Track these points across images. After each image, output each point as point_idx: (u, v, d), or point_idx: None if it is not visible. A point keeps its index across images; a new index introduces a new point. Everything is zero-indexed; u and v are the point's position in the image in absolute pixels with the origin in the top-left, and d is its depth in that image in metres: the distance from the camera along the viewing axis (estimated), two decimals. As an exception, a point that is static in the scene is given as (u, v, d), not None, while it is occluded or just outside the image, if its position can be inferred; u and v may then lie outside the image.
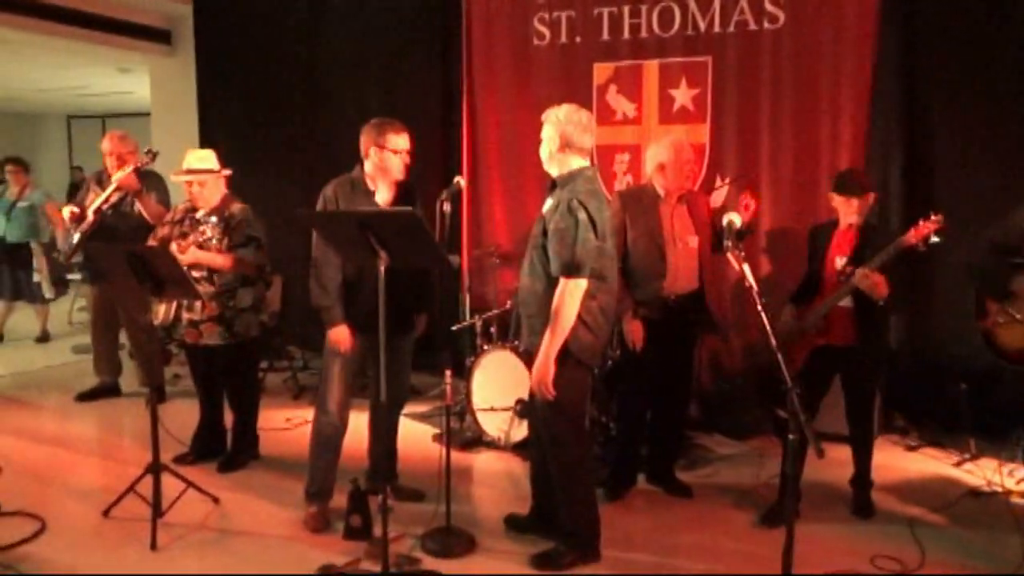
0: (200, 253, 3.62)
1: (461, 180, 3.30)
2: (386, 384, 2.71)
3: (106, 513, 3.34)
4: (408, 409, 4.81)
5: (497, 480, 3.91)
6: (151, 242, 3.84)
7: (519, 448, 4.10)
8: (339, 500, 3.27)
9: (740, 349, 4.73)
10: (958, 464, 4.01)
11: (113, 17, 6.57)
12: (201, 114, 6.53)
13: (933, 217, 3.07)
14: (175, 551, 3.07)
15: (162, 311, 3.71)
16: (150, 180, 4.67)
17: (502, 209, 5.37)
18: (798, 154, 4.56)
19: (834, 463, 3.57)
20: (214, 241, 3.64)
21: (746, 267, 2.34)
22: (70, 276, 7.20)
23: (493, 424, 4.21)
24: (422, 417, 4.73)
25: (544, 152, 2.92)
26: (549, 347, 2.77)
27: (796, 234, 4.57)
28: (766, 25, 4.55)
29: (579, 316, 2.79)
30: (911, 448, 4.25)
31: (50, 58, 8.06)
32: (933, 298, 4.42)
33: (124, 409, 4.92)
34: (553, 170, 2.91)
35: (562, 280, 2.75)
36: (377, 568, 2.76)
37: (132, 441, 4.39)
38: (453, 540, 3.09)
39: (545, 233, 2.84)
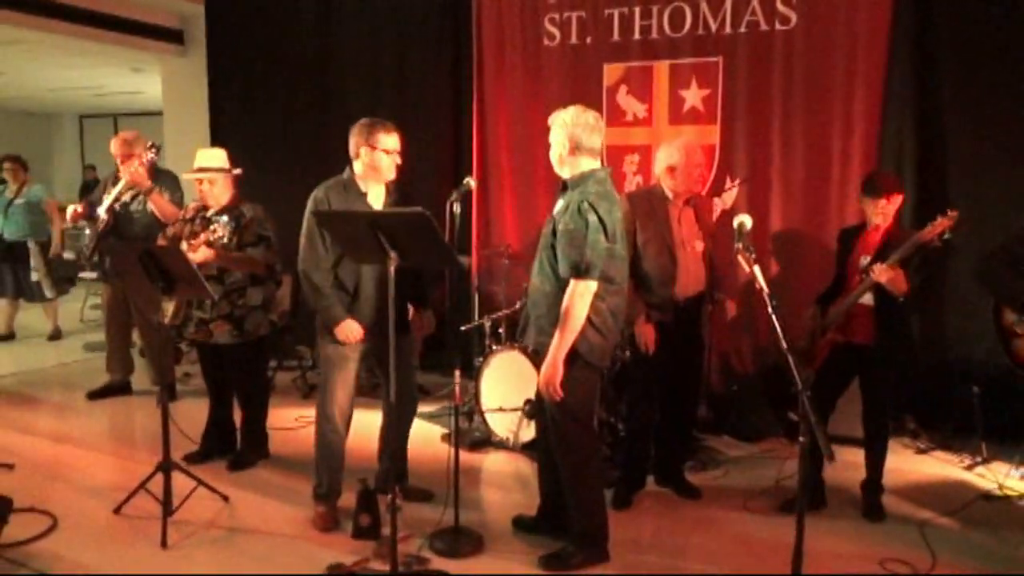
0: (210, 252, 3.63)
1: (471, 180, 3.30)
2: (396, 386, 2.72)
3: (117, 511, 3.36)
4: (417, 408, 4.85)
5: (505, 480, 3.92)
6: (162, 240, 3.86)
7: (528, 449, 4.09)
8: (348, 499, 3.28)
9: (750, 351, 4.72)
10: (969, 467, 3.99)
11: (126, 17, 6.60)
12: (212, 113, 6.56)
13: (949, 213, 3.10)
14: (185, 549, 3.09)
15: (171, 309, 3.73)
16: (163, 178, 4.70)
17: (512, 209, 5.37)
18: (809, 155, 4.55)
19: (845, 466, 3.57)
20: (224, 240, 3.65)
21: (756, 269, 2.33)
22: (82, 275, 7.24)
23: (502, 424, 4.21)
24: (431, 417, 4.73)
25: (554, 156, 2.91)
26: (558, 348, 2.76)
27: (806, 236, 4.56)
28: (778, 26, 4.54)
29: (588, 317, 2.78)
30: (922, 451, 4.22)
31: (64, 58, 8.12)
32: (945, 301, 4.39)
33: (135, 407, 4.96)
34: (564, 173, 2.91)
35: (572, 282, 2.75)
36: (386, 568, 2.77)
37: (143, 439, 4.42)
38: (461, 540, 3.09)
39: (555, 234, 2.83)
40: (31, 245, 6.49)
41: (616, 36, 4.94)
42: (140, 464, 3.76)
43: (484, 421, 4.27)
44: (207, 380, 4.01)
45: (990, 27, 4.14)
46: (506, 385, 4.17)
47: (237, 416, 4.01)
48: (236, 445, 4.00)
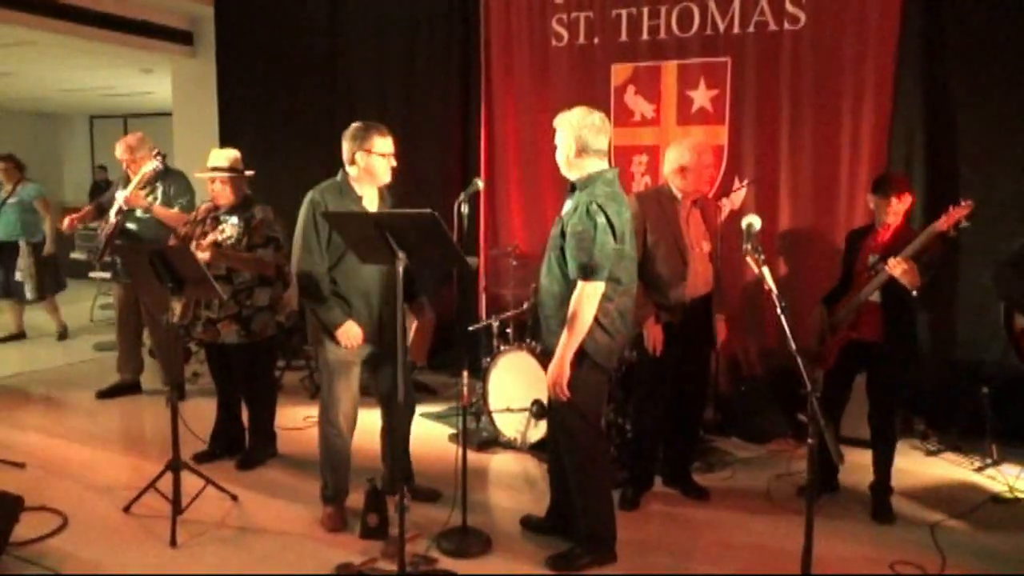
0: (206, 255, 3.63)
1: (480, 181, 3.30)
2: (397, 387, 2.72)
3: (127, 509, 3.38)
4: (424, 409, 4.86)
5: (513, 481, 3.92)
6: (173, 241, 3.89)
7: (535, 449, 4.10)
8: (356, 499, 3.29)
9: (757, 352, 4.71)
10: (979, 469, 3.97)
11: (136, 18, 6.64)
12: (221, 114, 6.59)
13: (963, 203, 3.10)
14: (194, 548, 3.10)
15: (179, 309, 3.75)
16: (172, 179, 4.73)
17: (519, 210, 5.37)
18: (818, 156, 4.53)
19: (854, 467, 3.55)
20: (233, 240, 3.67)
21: (765, 270, 2.33)
22: (92, 274, 7.27)
23: (510, 425, 4.21)
24: (439, 417, 4.74)
25: (560, 158, 2.90)
26: (565, 349, 2.76)
27: (814, 236, 4.54)
28: (786, 26, 4.52)
29: (596, 318, 2.78)
30: (931, 453, 4.20)
31: (74, 59, 8.17)
32: (955, 301, 4.37)
33: (144, 407, 4.98)
34: (572, 175, 2.90)
35: (580, 282, 2.75)
36: (393, 567, 2.77)
37: (152, 438, 4.45)
38: (469, 540, 3.10)
39: (563, 235, 2.83)
40: (22, 244, 6.39)
41: (624, 36, 4.94)
42: (150, 463, 3.79)
43: (492, 421, 4.28)
44: (215, 380, 4.03)
45: (1001, 26, 4.11)
46: (514, 385, 4.17)
47: (246, 416, 4.03)
48: (245, 444, 4.01)
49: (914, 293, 3.13)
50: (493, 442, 4.27)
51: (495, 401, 4.26)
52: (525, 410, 4.12)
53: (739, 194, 4.65)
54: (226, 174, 3.72)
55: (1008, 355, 3.55)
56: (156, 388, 5.12)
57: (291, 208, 3.99)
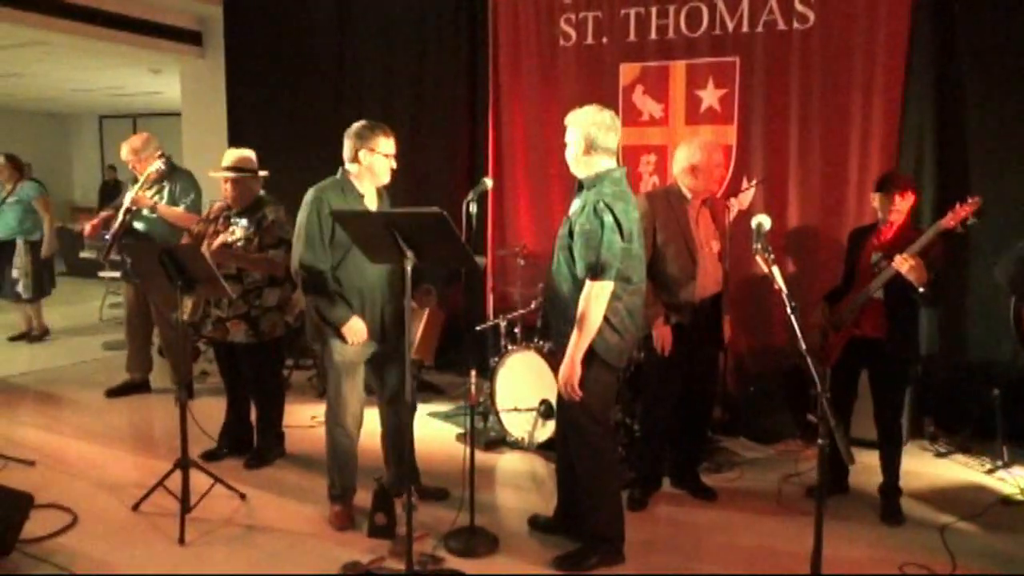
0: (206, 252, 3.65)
1: (488, 180, 3.30)
2: (403, 386, 2.72)
3: (135, 507, 3.40)
4: (432, 408, 4.87)
5: (521, 480, 3.91)
6: (186, 239, 3.91)
7: (543, 449, 4.09)
8: (363, 498, 3.29)
9: (766, 352, 4.69)
10: (990, 471, 3.94)
11: (145, 19, 6.67)
12: (230, 114, 6.61)
13: (970, 200, 3.10)
14: (202, 546, 3.11)
15: (189, 307, 3.77)
16: (178, 178, 4.75)
17: (527, 209, 5.37)
18: (827, 156, 4.51)
19: (863, 469, 3.54)
20: (242, 241, 3.68)
21: (775, 269, 2.32)
22: (102, 273, 7.31)
23: (517, 424, 4.21)
24: (446, 417, 4.74)
25: (570, 155, 2.91)
26: (575, 348, 2.76)
27: (823, 236, 4.53)
28: (795, 25, 4.51)
29: (606, 317, 2.78)
30: (941, 454, 4.18)
31: (84, 59, 8.22)
32: (965, 302, 4.35)
33: (153, 405, 5.00)
34: (580, 173, 2.90)
35: (588, 282, 2.75)
36: (401, 566, 2.77)
37: (161, 437, 4.46)
38: (476, 540, 3.10)
39: (571, 234, 2.83)
40: (19, 243, 6.36)
41: (632, 36, 4.93)
42: (158, 461, 3.80)
43: (499, 421, 4.28)
44: (224, 379, 4.04)
45: (1011, 24, 4.08)
46: (521, 385, 4.17)
47: (254, 415, 4.04)
48: (253, 443, 4.02)
49: (921, 289, 3.13)
50: (501, 442, 4.26)
51: (503, 401, 4.26)
52: (533, 410, 4.12)
53: (747, 194, 4.64)
54: (232, 174, 3.73)
55: (1019, 356, 3.54)
56: (165, 387, 5.14)
57: (298, 207, 4.01)
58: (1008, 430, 4.02)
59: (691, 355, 3.46)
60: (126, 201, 4.57)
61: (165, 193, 4.69)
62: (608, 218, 2.72)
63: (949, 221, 3.12)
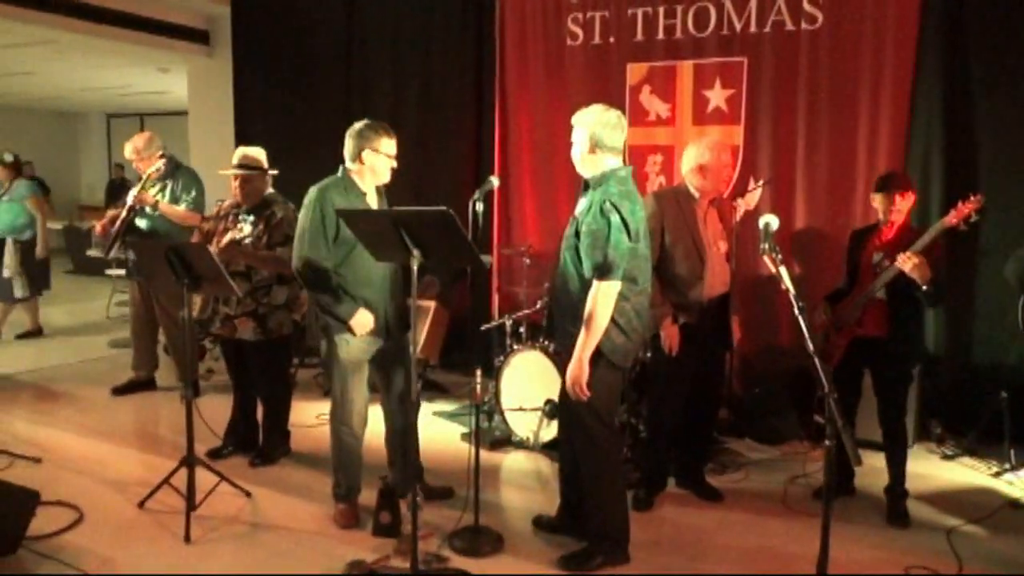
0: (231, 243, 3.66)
1: (494, 179, 3.30)
2: (408, 385, 2.72)
3: (141, 505, 3.40)
4: (437, 407, 4.87)
5: (526, 480, 3.91)
6: (196, 237, 3.92)
7: (548, 448, 4.09)
8: (368, 497, 3.29)
9: (772, 352, 4.67)
10: (997, 474, 3.92)
11: (153, 17, 6.70)
12: (237, 113, 6.63)
13: (972, 198, 3.12)
14: (208, 544, 3.12)
15: (198, 304, 3.78)
16: (181, 176, 4.77)
17: (533, 208, 5.37)
18: (834, 156, 4.50)
19: (869, 471, 3.52)
20: (249, 238, 3.69)
21: (783, 270, 2.30)
22: (109, 271, 7.33)
23: (522, 424, 4.21)
24: (451, 416, 4.75)
25: (576, 155, 2.91)
26: (583, 348, 2.75)
27: (830, 237, 4.51)
28: (804, 25, 4.49)
29: (612, 318, 2.77)
30: (948, 457, 4.16)
31: (92, 58, 8.25)
32: (974, 304, 4.32)
33: (159, 403, 5.01)
34: (586, 172, 2.90)
35: (595, 282, 2.74)
36: (406, 565, 2.78)
37: (167, 434, 4.47)
38: (481, 539, 3.09)
39: (578, 234, 2.83)
40: (9, 242, 6.31)
41: (639, 36, 4.93)
42: (164, 459, 3.81)
43: (504, 420, 4.27)
44: (231, 376, 4.05)
45: (1021, 24, 4.06)
46: (526, 385, 4.16)
47: (260, 413, 4.04)
48: (259, 441, 4.03)
49: (924, 287, 3.13)
50: (505, 441, 4.26)
51: (507, 400, 4.25)
52: (538, 409, 4.11)
53: (754, 194, 4.62)
54: (238, 171, 3.74)
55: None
56: (171, 385, 5.16)
57: (305, 206, 4.01)
58: (1016, 433, 3.99)
59: (699, 355, 3.45)
60: (129, 199, 4.59)
61: (167, 191, 4.71)
62: (615, 218, 2.72)
63: (951, 219, 3.14)
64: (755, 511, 3.49)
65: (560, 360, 2.90)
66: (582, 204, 2.89)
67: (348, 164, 3.19)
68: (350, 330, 3.12)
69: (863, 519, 3.38)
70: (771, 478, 3.85)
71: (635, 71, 4.96)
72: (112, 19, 6.43)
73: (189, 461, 3.27)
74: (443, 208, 2.53)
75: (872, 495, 3.54)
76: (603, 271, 2.72)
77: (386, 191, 3.34)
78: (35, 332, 6.79)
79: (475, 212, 3.07)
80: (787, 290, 2.26)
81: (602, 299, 2.73)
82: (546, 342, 4.12)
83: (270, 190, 3.87)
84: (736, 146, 4.66)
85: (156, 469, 3.61)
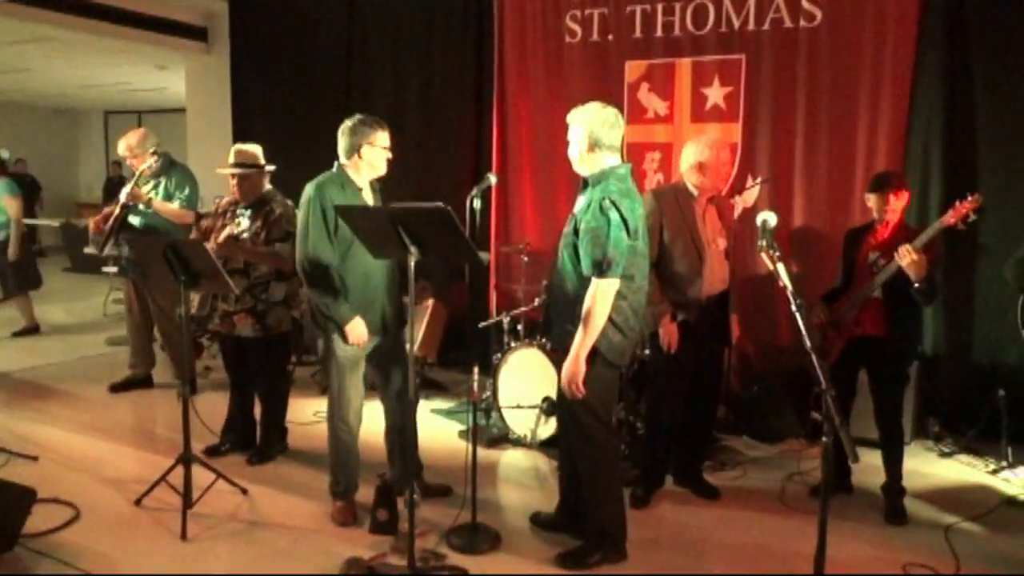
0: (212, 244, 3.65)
1: (492, 176, 3.29)
2: (406, 383, 2.72)
3: (138, 502, 3.40)
4: (435, 405, 4.86)
5: (523, 478, 3.91)
6: (195, 234, 3.91)
7: (545, 446, 4.09)
8: (365, 494, 3.29)
9: (770, 351, 4.67)
10: (994, 472, 3.92)
11: (151, 14, 6.69)
12: (235, 110, 6.62)
13: (970, 197, 3.13)
14: (204, 541, 3.11)
15: (197, 300, 3.77)
16: (174, 173, 4.75)
17: (532, 206, 5.36)
18: (833, 154, 4.49)
19: (867, 469, 3.52)
20: (247, 233, 3.69)
21: (780, 267, 2.30)
22: (105, 269, 7.31)
23: (520, 422, 4.20)
24: (449, 414, 4.74)
25: (573, 153, 2.89)
26: (580, 346, 2.75)
27: (828, 235, 4.50)
28: (802, 23, 4.49)
29: (610, 316, 2.77)
30: (945, 455, 4.16)
31: (91, 55, 8.23)
32: (972, 303, 4.32)
33: (156, 400, 5.01)
34: (584, 170, 2.89)
35: (593, 280, 2.73)
36: (403, 563, 2.77)
37: (164, 432, 4.46)
38: (479, 537, 3.09)
39: (577, 232, 2.82)
40: None
41: (638, 33, 4.92)
42: (161, 457, 3.80)
43: (502, 418, 4.27)
44: (229, 373, 4.04)
45: (1021, 22, 4.05)
46: (524, 382, 4.16)
47: (258, 410, 4.04)
48: (256, 439, 4.02)
49: (916, 285, 3.13)
50: (503, 439, 4.26)
51: (505, 398, 4.25)
52: (535, 407, 4.11)
53: (752, 192, 4.62)
54: (237, 170, 3.73)
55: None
56: (168, 382, 5.15)
57: (304, 203, 4.00)
58: (1013, 431, 4.00)
59: (697, 353, 3.44)
60: (122, 196, 4.58)
61: (161, 188, 4.70)
62: (614, 215, 2.71)
63: (950, 218, 3.15)
64: (753, 509, 3.49)
65: (558, 358, 2.89)
66: (581, 202, 2.89)
67: (343, 160, 3.19)
68: (343, 336, 3.11)
69: (860, 517, 3.38)
70: (769, 476, 3.85)
71: (633, 68, 4.96)
72: (110, 16, 6.41)
73: (186, 458, 3.26)
74: (440, 205, 2.53)
75: (869, 493, 3.54)
76: (602, 269, 2.71)
77: (385, 188, 3.34)
78: (32, 329, 6.77)
79: (472, 209, 3.07)
80: (784, 287, 2.25)
81: (600, 297, 2.72)
82: (544, 340, 4.12)
83: (268, 187, 3.87)
84: (734, 144, 4.65)
85: (153, 467, 3.60)
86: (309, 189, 3.13)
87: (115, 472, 3.80)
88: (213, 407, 4.23)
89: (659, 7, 4.83)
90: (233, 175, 3.74)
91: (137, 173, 4.62)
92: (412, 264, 2.65)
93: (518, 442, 4.22)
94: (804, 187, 4.58)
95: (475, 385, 3.19)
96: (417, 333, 4.71)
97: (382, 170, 3.23)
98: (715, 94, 4.75)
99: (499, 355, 4.34)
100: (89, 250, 7.47)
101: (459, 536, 3.09)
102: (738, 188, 4.62)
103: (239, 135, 6.27)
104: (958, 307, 4.34)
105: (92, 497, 3.48)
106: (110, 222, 4.57)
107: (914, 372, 4.04)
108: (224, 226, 3.71)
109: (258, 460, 3.91)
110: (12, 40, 7.26)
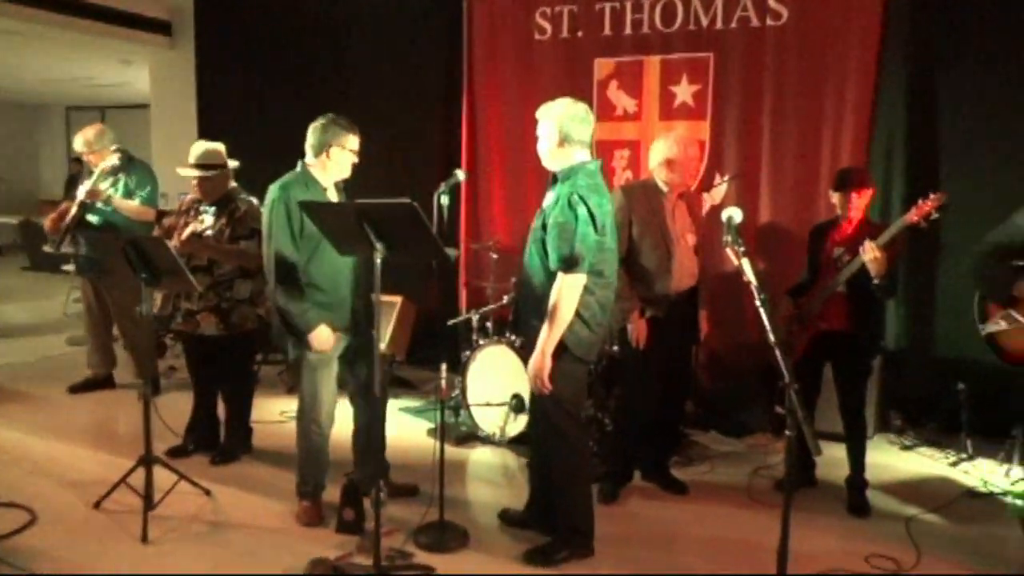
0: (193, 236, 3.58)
1: (460, 172, 3.27)
2: (373, 379, 2.70)
3: (97, 505, 3.32)
4: (403, 403, 4.83)
5: (492, 475, 3.89)
6: (157, 232, 3.84)
7: (514, 443, 4.08)
8: (332, 494, 3.25)
9: (737, 346, 4.71)
10: (955, 464, 4.00)
11: (114, 7, 6.54)
12: (200, 106, 6.50)
13: (932, 196, 3.18)
14: (166, 544, 3.05)
15: (159, 300, 3.70)
16: (134, 170, 4.65)
17: (501, 203, 5.35)
18: (799, 152, 4.54)
19: (831, 462, 3.57)
20: (211, 230, 3.62)
21: (745, 262, 2.32)
22: (65, 267, 7.13)
23: (489, 419, 4.19)
24: (417, 412, 4.71)
25: (542, 149, 2.89)
26: (546, 341, 2.74)
27: (794, 232, 4.55)
28: (769, 22, 4.52)
29: (577, 312, 2.76)
30: (907, 448, 4.23)
31: (53, 49, 8.03)
32: (934, 298, 4.41)
33: (118, 401, 4.90)
34: (553, 166, 2.88)
35: (560, 275, 2.73)
36: (369, 562, 2.74)
37: (125, 433, 4.37)
38: (446, 535, 3.07)
39: (545, 227, 2.81)
40: None
41: (607, 30, 4.92)
42: (122, 458, 3.70)
43: (471, 416, 4.25)
44: (192, 373, 3.98)
45: (983, 24, 4.13)
46: (493, 380, 4.15)
47: (221, 410, 3.97)
48: (220, 439, 3.96)
49: (875, 281, 3.18)
50: (472, 437, 4.24)
51: (474, 395, 4.23)
52: (504, 404, 4.10)
53: (719, 189, 4.65)
54: (195, 172, 3.66)
55: (985, 352, 3.59)
56: (130, 382, 5.04)
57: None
58: (972, 424, 4.08)
59: (667, 349, 3.46)
60: (80, 194, 4.48)
61: (120, 185, 4.60)
62: (582, 211, 2.71)
63: (913, 216, 3.20)
64: (720, 503, 3.51)
65: (527, 354, 2.89)
66: (550, 197, 2.88)
67: (309, 159, 3.15)
68: (307, 345, 3.07)
69: (825, 509, 3.42)
70: (736, 470, 3.88)
71: (603, 66, 4.96)
72: (72, 9, 6.26)
73: (147, 459, 3.20)
74: (407, 201, 2.50)
75: (833, 486, 3.58)
76: (569, 264, 2.71)
77: (353, 184, 3.30)
78: None
79: (440, 205, 3.04)
80: (749, 282, 2.27)
81: (566, 292, 2.72)
82: (513, 337, 4.11)
83: (233, 184, 3.81)
84: (702, 141, 4.68)
85: (113, 469, 3.52)
86: (273, 190, 3.09)
87: (74, 475, 3.71)
88: (177, 407, 4.15)
89: (628, 5, 4.84)
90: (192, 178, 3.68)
91: (97, 170, 4.51)
92: (379, 261, 2.62)
93: (487, 440, 4.20)
94: (770, 184, 4.62)
95: (444, 383, 3.17)
96: (385, 331, 4.67)
97: (347, 173, 3.20)
98: (683, 92, 4.77)
99: (468, 353, 4.32)
100: (48, 248, 7.29)
101: (426, 535, 3.06)
102: (706, 185, 4.65)
103: (204, 132, 6.17)
104: (920, 303, 4.42)
105: (50, 500, 3.39)
106: (67, 220, 4.47)
107: (877, 366, 4.11)
108: (187, 223, 3.65)
109: (222, 461, 3.84)
110: (-31, 33, 7.06)
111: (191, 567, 2.89)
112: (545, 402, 2.86)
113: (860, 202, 3.39)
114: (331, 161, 3.13)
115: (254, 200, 3.73)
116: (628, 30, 4.87)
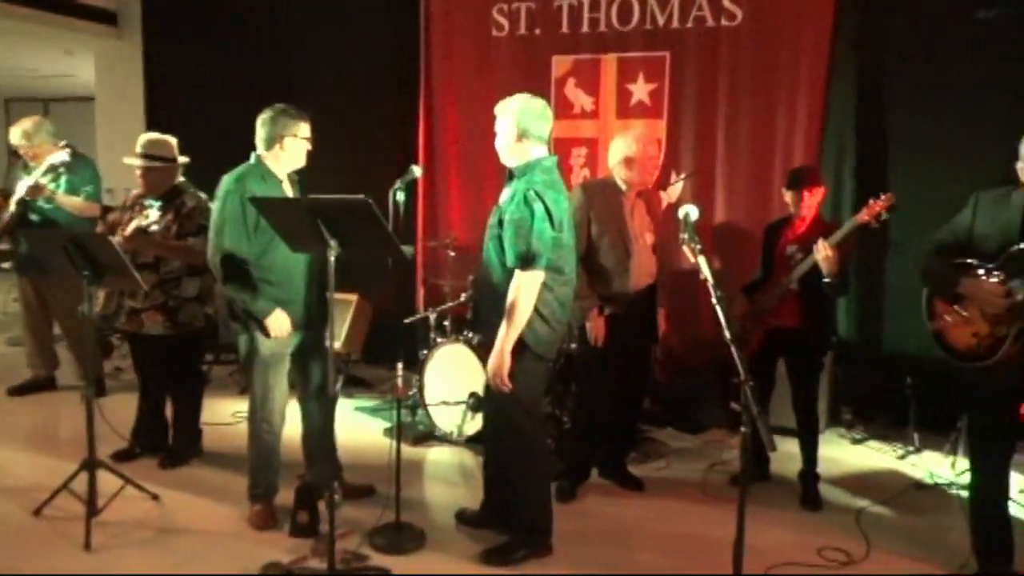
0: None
1: (417, 168, 3.23)
2: (326, 379, 2.64)
3: (37, 512, 3.19)
4: (359, 403, 4.76)
5: (449, 474, 3.86)
6: (101, 228, 3.71)
7: (472, 442, 4.05)
8: (285, 496, 3.18)
9: (694, 343, 4.76)
10: (902, 457, 4.10)
11: (56, -6, 6.31)
12: (148, 99, 6.32)
13: (883, 196, 3.24)
14: (111, 551, 2.95)
15: (102, 299, 3.58)
16: (76, 165, 4.49)
17: (459, 200, 5.31)
18: (753, 151, 4.61)
19: (784, 457, 3.63)
20: (156, 226, 3.51)
21: (702, 260, 2.32)
22: (4, 265, 6.86)
23: (446, 418, 4.15)
24: (373, 411, 4.65)
25: (500, 144, 2.87)
26: (505, 339, 2.72)
27: (748, 229, 4.62)
28: (724, 22, 4.57)
29: (536, 309, 2.75)
30: (857, 441, 4.33)
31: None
32: (883, 295, 4.51)
33: (60, 403, 4.73)
34: (511, 161, 2.87)
35: (517, 272, 2.71)
36: (323, 565, 2.69)
37: (68, 437, 4.21)
38: (403, 536, 3.03)
39: (501, 224, 2.79)
40: None
41: (565, 28, 4.92)
42: (64, 463, 3.55)
43: (428, 415, 4.21)
44: (138, 374, 3.86)
45: (934, 23, 4.24)
46: (450, 378, 4.11)
47: (170, 411, 3.86)
48: (168, 442, 3.84)
49: (827, 279, 3.23)
50: (429, 436, 4.20)
51: (431, 394, 4.19)
52: (461, 403, 4.06)
53: (676, 187, 4.67)
54: (139, 162, 3.55)
55: (932, 347, 3.68)
56: (73, 384, 4.86)
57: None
58: (920, 418, 4.19)
59: (625, 347, 3.46)
60: (20, 190, 4.30)
61: (63, 181, 4.43)
62: (538, 207, 2.69)
63: (864, 216, 3.26)
64: (676, 499, 3.54)
65: (485, 353, 2.86)
66: (506, 193, 2.86)
67: (262, 151, 3.08)
68: (264, 331, 3.00)
69: (778, 503, 3.47)
70: (692, 466, 3.91)
71: (560, 64, 4.96)
72: (12, -5, 6.01)
73: (90, 464, 3.09)
74: (362, 197, 2.45)
75: (787, 480, 3.64)
76: (526, 261, 2.69)
77: (307, 180, 3.23)
78: None
79: (395, 201, 3.00)
80: (706, 280, 2.28)
81: (524, 289, 2.70)
82: (470, 335, 4.08)
83: (181, 179, 3.70)
84: (659, 140, 4.71)
85: (55, 474, 3.38)
86: (227, 182, 3.01)
87: (13, 481, 3.57)
88: (123, 410, 4.01)
89: (585, 3, 4.84)
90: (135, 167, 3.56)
91: (43, 166, 4.33)
92: (332, 258, 2.57)
93: (444, 439, 4.17)
94: (725, 182, 4.68)
95: (400, 382, 3.13)
96: (341, 329, 4.60)
97: (302, 162, 3.15)
98: (640, 90, 4.80)
99: (425, 351, 4.28)
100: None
101: (382, 536, 3.02)
102: (662, 184, 4.68)
103: (152, 125, 5.99)
104: (870, 300, 4.52)
105: (-14, 508, 3.26)
106: (5, 219, 4.29)
107: (828, 362, 4.18)
108: (131, 219, 3.53)
109: (171, 464, 3.74)
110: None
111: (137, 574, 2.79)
112: (504, 400, 2.84)
113: (812, 200, 3.45)
114: (285, 152, 3.07)
115: (202, 195, 3.63)
116: (586, 28, 4.87)
